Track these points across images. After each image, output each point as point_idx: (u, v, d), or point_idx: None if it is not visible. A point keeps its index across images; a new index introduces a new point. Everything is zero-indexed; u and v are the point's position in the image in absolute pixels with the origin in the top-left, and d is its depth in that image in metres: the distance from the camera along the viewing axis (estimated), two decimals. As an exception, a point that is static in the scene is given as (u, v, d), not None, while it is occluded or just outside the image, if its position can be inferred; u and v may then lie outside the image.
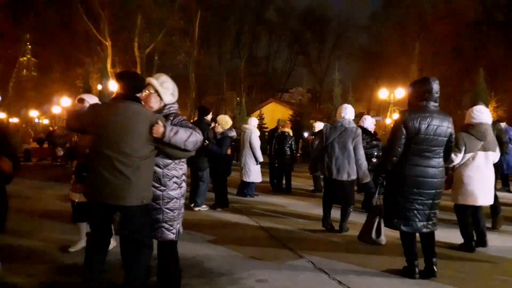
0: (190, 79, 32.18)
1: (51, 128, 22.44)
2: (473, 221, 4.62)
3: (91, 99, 4.05)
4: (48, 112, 32.96)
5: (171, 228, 2.98)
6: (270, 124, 26.73)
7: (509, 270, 3.97)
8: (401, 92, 25.33)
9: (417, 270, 3.59)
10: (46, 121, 35.45)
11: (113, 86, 25.32)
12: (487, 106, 6.29)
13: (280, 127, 9.34)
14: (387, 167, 3.62)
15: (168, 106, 3.00)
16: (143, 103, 2.89)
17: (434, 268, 3.58)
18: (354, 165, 5.21)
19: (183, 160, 3.05)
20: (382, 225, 3.93)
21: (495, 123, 6.15)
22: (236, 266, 3.85)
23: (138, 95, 2.84)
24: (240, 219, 6.10)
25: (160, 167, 2.92)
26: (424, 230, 3.54)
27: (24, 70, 36.26)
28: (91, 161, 2.79)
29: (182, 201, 3.06)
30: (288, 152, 9.04)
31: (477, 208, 4.58)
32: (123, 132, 2.66)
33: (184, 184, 3.09)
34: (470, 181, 4.41)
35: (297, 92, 49.09)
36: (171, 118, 2.94)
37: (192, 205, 6.80)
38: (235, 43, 40.07)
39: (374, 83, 36.67)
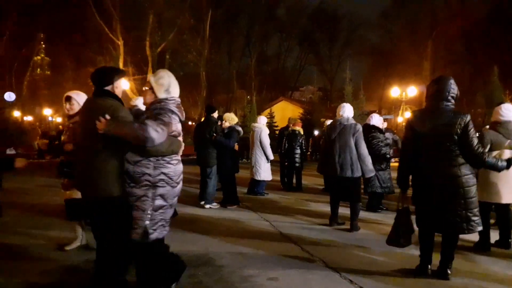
0: (201, 78, 32.29)
1: (60, 127, 22.73)
2: (500, 221, 4.59)
3: (79, 97, 4.05)
4: (61, 111, 33.39)
5: (135, 226, 2.86)
6: (280, 123, 26.69)
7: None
8: (413, 90, 25.08)
9: (429, 267, 3.60)
10: (59, 119, 35.94)
11: (125, 84, 25.59)
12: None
13: (291, 125, 9.34)
14: (403, 169, 3.65)
15: (164, 101, 3.00)
16: (118, 95, 3.00)
17: (448, 271, 3.54)
18: (357, 161, 5.25)
19: (165, 158, 2.91)
20: (413, 225, 3.73)
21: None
22: (247, 264, 3.86)
23: (107, 87, 2.94)
24: (250, 217, 6.12)
25: (130, 163, 2.88)
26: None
27: (38, 69, 36.84)
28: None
29: (159, 202, 2.88)
30: (298, 151, 9.04)
31: (505, 207, 4.52)
32: (83, 126, 2.94)
33: (168, 184, 2.92)
34: (496, 179, 4.36)
35: (307, 91, 48.94)
36: (156, 112, 2.95)
37: (202, 202, 6.86)
38: (245, 42, 40.09)
39: (386, 81, 36.39)
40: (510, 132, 4.36)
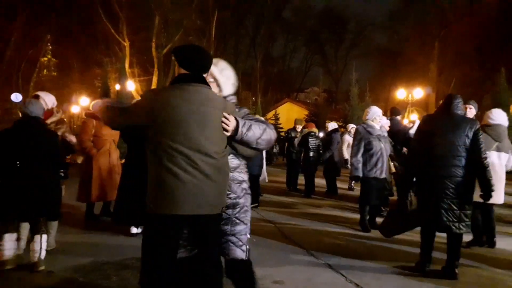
0: (206, 79, 32.30)
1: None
2: (484, 220, 4.68)
3: (47, 98, 4.13)
4: (67, 112, 33.62)
5: (241, 243, 2.41)
6: (285, 125, 26.66)
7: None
8: (419, 92, 24.92)
9: (427, 265, 3.77)
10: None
11: (131, 86, 25.70)
12: (508, 106, 6.29)
13: (305, 127, 9.27)
14: (412, 169, 3.85)
15: (228, 99, 2.46)
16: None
17: (456, 270, 3.59)
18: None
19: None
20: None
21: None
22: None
23: (204, 75, 2.30)
24: (253, 219, 6.09)
25: (230, 170, 2.36)
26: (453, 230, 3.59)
27: (45, 70, 37.08)
28: (155, 163, 2.16)
29: (250, 212, 2.53)
30: (315, 153, 8.57)
31: (489, 208, 4.61)
32: (202, 124, 2.15)
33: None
34: None
35: (312, 92, 48.84)
36: (237, 110, 2.42)
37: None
38: (251, 43, 40.12)
39: (392, 83, 36.21)
40: (499, 134, 4.57)
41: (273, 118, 30.77)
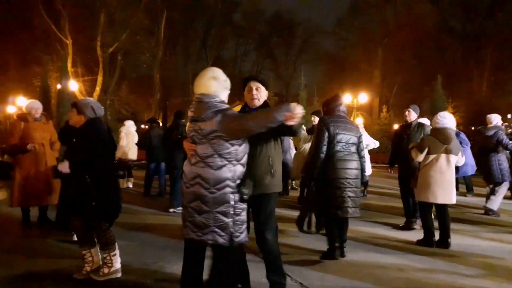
0: (154, 80, 31.60)
1: None
2: (439, 221, 4.88)
3: None
4: (2, 112, 31.33)
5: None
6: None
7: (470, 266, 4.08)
8: (364, 97, 25.98)
9: (337, 252, 4.18)
10: None
11: (73, 86, 24.44)
12: (444, 111, 6.71)
13: None
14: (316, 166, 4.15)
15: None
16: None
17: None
18: None
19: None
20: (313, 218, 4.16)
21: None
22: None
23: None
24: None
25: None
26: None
27: (-22, 67, 34.31)
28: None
29: (240, 205, 2.79)
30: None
31: (443, 208, 4.82)
32: None
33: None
34: (432, 180, 4.75)
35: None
36: None
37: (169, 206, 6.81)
38: (201, 45, 39.74)
39: (339, 88, 37.43)
40: (446, 138, 4.72)
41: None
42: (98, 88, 27.35)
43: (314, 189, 4.17)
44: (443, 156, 4.74)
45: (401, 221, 6.01)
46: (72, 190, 3.48)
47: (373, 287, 3.56)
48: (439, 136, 4.76)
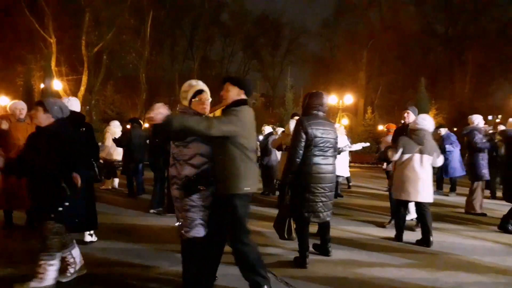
0: (140, 80, 31.33)
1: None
2: (419, 220, 5.12)
3: None
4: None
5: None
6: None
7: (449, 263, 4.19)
8: (349, 99, 26.23)
9: (307, 260, 4.05)
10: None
11: (57, 85, 24.08)
12: (428, 112, 6.79)
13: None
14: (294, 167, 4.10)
15: None
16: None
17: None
18: None
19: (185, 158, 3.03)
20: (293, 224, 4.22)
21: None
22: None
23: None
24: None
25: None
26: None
27: (-43, 66, 33.48)
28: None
29: (188, 202, 2.99)
30: None
31: (423, 207, 4.97)
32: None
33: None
34: (406, 179, 4.96)
35: (250, 96, 49.24)
36: None
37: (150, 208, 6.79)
38: (188, 45, 39.58)
39: (325, 89, 37.71)
40: (421, 138, 4.93)
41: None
42: (82, 88, 26.99)
43: (290, 194, 4.17)
44: (417, 156, 4.94)
45: (385, 219, 6.12)
46: (44, 191, 3.23)
47: (358, 285, 3.63)
48: (414, 137, 4.96)
